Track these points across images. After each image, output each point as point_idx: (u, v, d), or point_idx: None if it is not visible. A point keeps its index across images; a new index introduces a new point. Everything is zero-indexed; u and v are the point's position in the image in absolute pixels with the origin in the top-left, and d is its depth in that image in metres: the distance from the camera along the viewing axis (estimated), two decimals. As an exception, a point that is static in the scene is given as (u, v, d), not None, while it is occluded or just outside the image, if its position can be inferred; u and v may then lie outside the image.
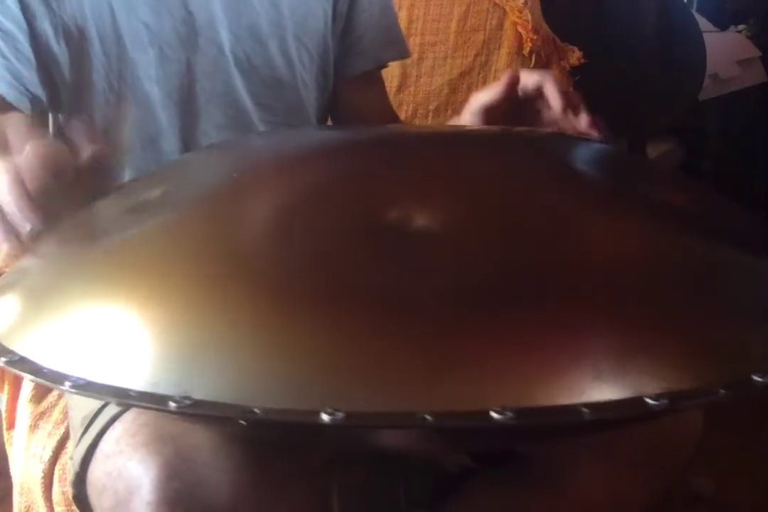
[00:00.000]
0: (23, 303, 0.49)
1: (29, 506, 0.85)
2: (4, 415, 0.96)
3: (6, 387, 0.97)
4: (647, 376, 0.38)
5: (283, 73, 0.85)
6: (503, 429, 0.36)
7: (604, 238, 0.49)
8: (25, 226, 0.52)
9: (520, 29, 1.29)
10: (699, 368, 0.39)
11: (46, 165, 0.52)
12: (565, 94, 0.70)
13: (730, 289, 0.46)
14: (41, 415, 0.88)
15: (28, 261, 0.53)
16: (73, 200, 0.54)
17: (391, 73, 1.30)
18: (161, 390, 0.38)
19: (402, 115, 1.30)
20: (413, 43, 1.30)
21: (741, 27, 2.16)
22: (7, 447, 0.93)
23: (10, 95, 0.75)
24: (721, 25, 2.13)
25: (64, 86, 0.80)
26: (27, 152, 0.52)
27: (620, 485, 0.64)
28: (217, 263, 0.46)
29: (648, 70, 1.70)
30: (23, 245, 0.53)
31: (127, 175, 0.83)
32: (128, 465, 0.57)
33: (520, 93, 0.73)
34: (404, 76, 1.32)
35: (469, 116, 0.75)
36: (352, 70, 0.93)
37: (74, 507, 0.77)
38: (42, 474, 0.82)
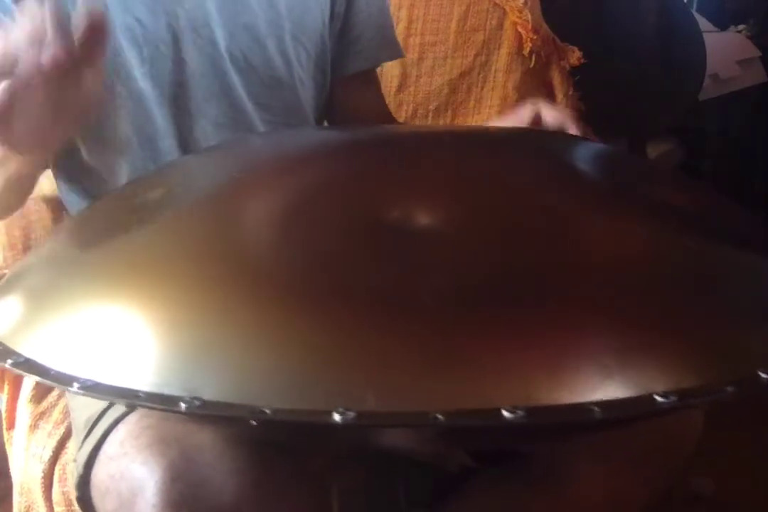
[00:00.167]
0: (26, 304, 0.49)
1: (29, 506, 0.85)
2: (4, 415, 0.96)
3: (6, 387, 0.97)
4: (654, 374, 0.38)
5: (282, 72, 0.85)
6: (513, 427, 0.36)
7: (605, 238, 0.49)
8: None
9: (520, 29, 1.29)
10: (704, 366, 0.39)
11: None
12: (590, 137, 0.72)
13: (731, 289, 0.47)
14: (41, 415, 0.88)
15: (30, 263, 0.53)
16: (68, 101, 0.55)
17: (391, 73, 1.30)
18: (170, 391, 0.38)
19: (402, 115, 1.30)
20: (413, 43, 1.30)
21: (741, 27, 2.16)
22: (7, 447, 0.93)
23: None
24: (721, 25, 2.13)
25: None
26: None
27: (620, 484, 0.64)
28: (222, 263, 0.46)
29: (648, 70, 1.70)
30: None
31: (125, 174, 0.83)
32: (132, 467, 0.57)
33: (538, 123, 0.74)
34: (404, 76, 1.31)
35: None
36: (348, 69, 0.93)
37: (74, 507, 0.77)
38: (42, 474, 0.82)
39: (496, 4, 1.30)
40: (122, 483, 0.58)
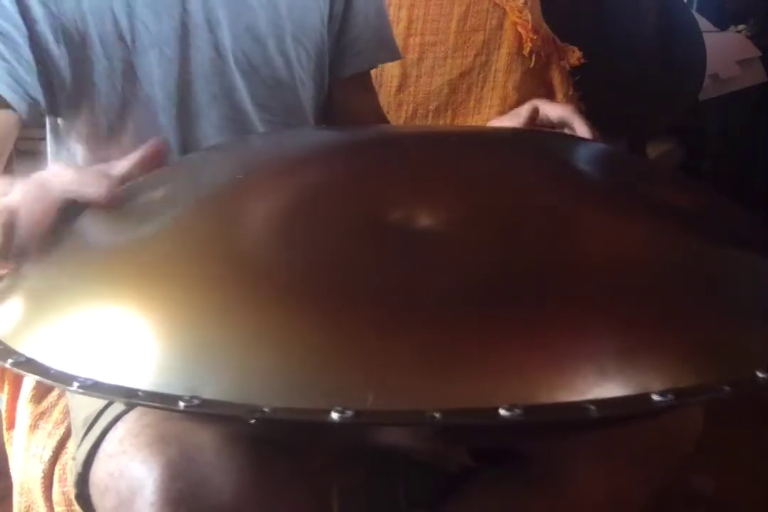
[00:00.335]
0: (27, 304, 0.49)
1: (29, 506, 0.85)
2: (4, 415, 0.96)
3: (6, 387, 0.97)
4: (651, 373, 0.38)
5: (282, 73, 0.85)
6: (511, 426, 0.36)
7: (605, 238, 0.49)
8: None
9: (520, 29, 1.29)
10: (702, 365, 0.39)
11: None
12: (593, 129, 0.72)
13: (730, 289, 0.47)
14: (41, 415, 0.88)
15: (31, 263, 0.53)
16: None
17: (391, 73, 1.30)
18: (169, 389, 0.38)
19: (402, 115, 1.30)
20: (413, 43, 1.31)
21: (741, 27, 2.16)
22: (7, 447, 0.93)
23: (11, 98, 0.75)
24: (721, 25, 2.14)
25: (63, 90, 0.79)
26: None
27: (620, 483, 0.64)
28: (222, 263, 0.46)
29: (648, 70, 1.70)
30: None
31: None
32: (131, 466, 0.57)
33: (539, 122, 0.74)
34: (404, 76, 1.32)
35: None
36: (346, 71, 0.93)
37: (74, 507, 0.77)
38: (42, 474, 0.82)
39: (496, 4, 1.30)
40: (121, 481, 0.58)
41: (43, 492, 0.82)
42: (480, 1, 1.30)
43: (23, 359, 0.43)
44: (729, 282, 0.47)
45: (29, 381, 0.92)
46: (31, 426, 0.87)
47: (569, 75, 1.33)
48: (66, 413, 0.86)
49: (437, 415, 0.35)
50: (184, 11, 0.80)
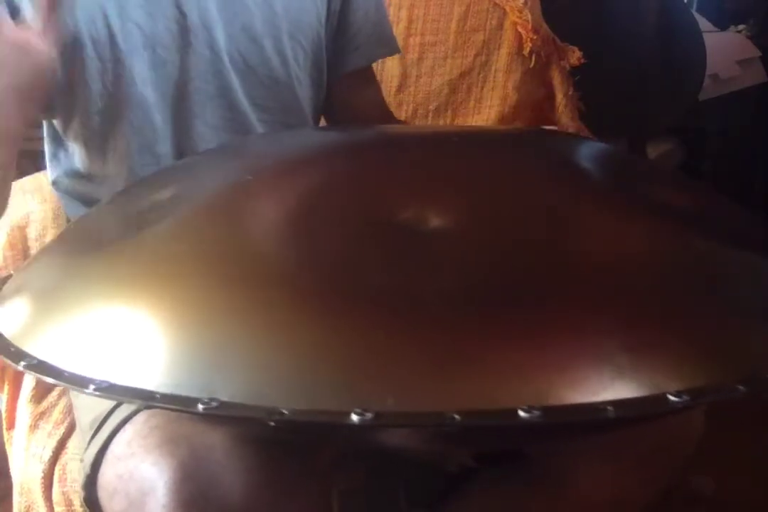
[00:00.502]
0: (38, 306, 0.49)
1: (29, 506, 0.85)
2: (4, 415, 0.96)
3: (6, 387, 0.96)
4: (667, 374, 0.38)
5: (279, 72, 0.85)
6: (528, 427, 0.36)
7: (606, 238, 0.49)
8: None
9: (520, 29, 1.29)
10: (716, 365, 0.40)
11: None
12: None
13: (731, 288, 0.47)
14: (41, 415, 0.88)
15: (39, 264, 0.53)
16: None
17: (391, 73, 1.30)
18: (184, 391, 0.38)
19: (402, 115, 1.30)
20: (413, 43, 1.30)
21: (741, 27, 2.16)
22: (7, 447, 0.93)
23: None
24: (721, 25, 2.13)
25: (56, 91, 0.79)
26: None
27: (621, 484, 0.64)
28: (235, 264, 0.46)
29: (648, 70, 1.70)
30: None
31: (122, 180, 0.83)
32: (141, 468, 0.57)
33: None
34: (404, 76, 1.31)
35: None
36: (347, 67, 0.93)
37: (74, 507, 0.77)
38: (42, 474, 0.82)
39: (496, 4, 1.30)
40: (131, 483, 0.58)
41: (43, 492, 0.82)
42: (480, 1, 1.30)
43: (35, 361, 0.43)
44: (729, 282, 0.48)
45: (29, 381, 0.92)
46: (31, 426, 0.87)
47: (569, 75, 1.33)
48: (66, 413, 0.86)
49: (457, 417, 0.35)
50: (179, 12, 0.79)
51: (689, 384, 0.37)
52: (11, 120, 0.69)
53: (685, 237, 0.50)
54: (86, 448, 0.65)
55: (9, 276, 0.55)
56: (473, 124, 1.32)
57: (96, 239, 0.54)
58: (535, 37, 1.29)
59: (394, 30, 1.00)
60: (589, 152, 0.68)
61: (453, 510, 0.67)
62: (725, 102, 1.99)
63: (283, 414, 0.36)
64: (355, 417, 0.35)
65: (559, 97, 1.32)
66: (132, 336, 0.42)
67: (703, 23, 1.95)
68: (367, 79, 0.98)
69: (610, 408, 0.36)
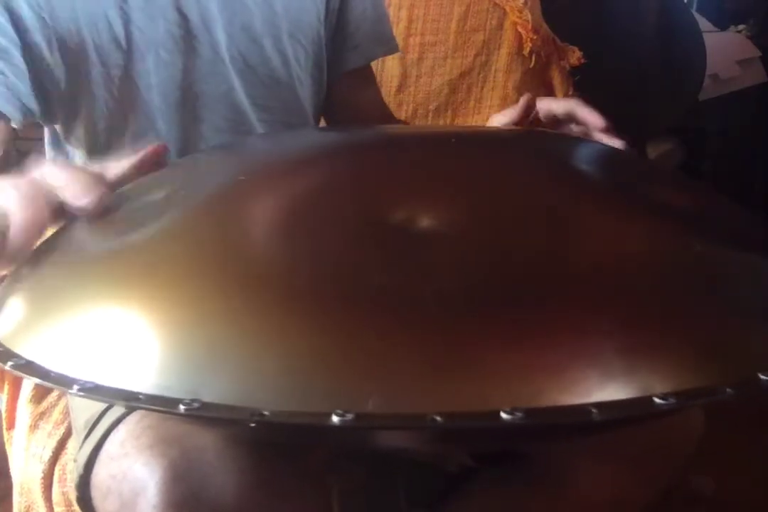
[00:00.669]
0: (27, 306, 0.49)
1: (29, 506, 0.85)
2: (4, 415, 0.96)
3: (6, 387, 0.97)
4: (653, 376, 0.38)
5: (280, 72, 0.85)
6: (512, 429, 0.36)
7: (605, 238, 0.49)
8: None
9: (520, 29, 1.29)
10: (704, 367, 0.39)
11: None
12: (601, 114, 0.69)
13: (731, 289, 0.47)
14: (41, 415, 0.88)
15: (32, 263, 0.53)
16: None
17: (391, 73, 1.30)
18: (170, 392, 0.38)
19: (402, 115, 1.30)
20: (413, 43, 1.31)
21: (741, 27, 2.16)
22: (7, 447, 0.93)
23: (5, 108, 0.74)
24: (721, 25, 2.13)
25: (59, 97, 0.79)
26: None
27: (621, 484, 0.64)
28: (224, 265, 0.46)
29: (648, 70, 1.70)
30: None
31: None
32: (133, 468, 0.57)
33: (544, 119, 0.72)
34: (404, 76, 1.32)
35: None
36: (346, 65, 0.92)
37: (74, 508, 0.77)
38: (42, 475, 0.82)
39: (496, 4, 1.30)
40: (123, 483, 0.58)
41: (43, 492, 0.82)
42: (480, 1, 1.30)
43: (23, 361, 0.43)
44: (729, 282, 0.47)
45: (29, 381, 0.92)
46: (31, 426, 0.87)
47: (569, 75, 1.33)
48: (66, 413, 0.86)
49: (438, 418, 0.35)
50: (179, 14, 0.79)
51: (680, 386, 0.37)
52: None
53: (685, 237, 0.50)
54: (80, 448, 0.65)
55: (4, 277, 0.55)
56: (473, 124, 1.32)
57: (91, 239, 0.54)
58: (535, 37, 1.29)
59: (394, 30, 1.01)
60: (589, 152, 0.68)
61: (453, 510, 0.67)
62: (725, 102, 1.99)
63: (263, 415, 0.36)
64: (335, 419, 0.35)
65: (559, 97, 1.32)
66: (122, 337, 0.42)
67: (703, 23, 1.95)
68: (367, 78, 0.98)
69: (594, 410, 0.35)
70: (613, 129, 0.68)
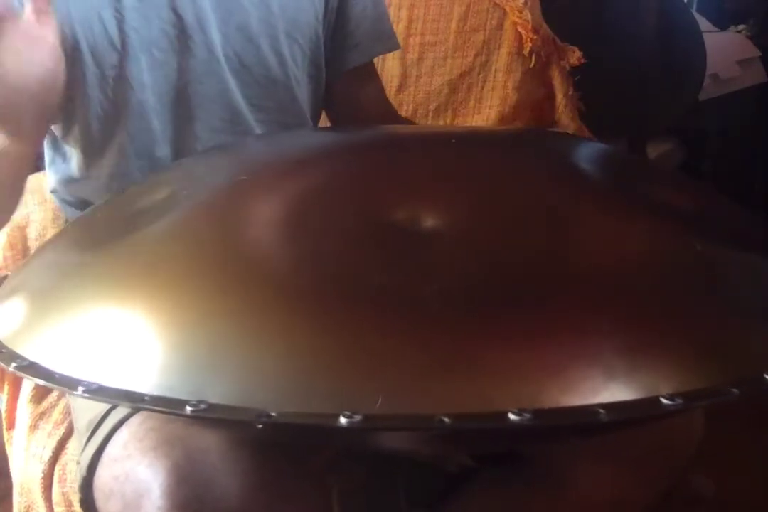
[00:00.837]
0: (30, 307, 0.49)
1: (29, 506, 0.85)
2: (4, 415, 0.96)
3: (6, 387, 0.96)
4: (659, 376, 0.38)
5: (276, 71, 0.85)
6: (520, 430, 0.36)
7: (606, 238, 0.49)
8: None
9: (520, 29, 1.29)
10: (709, 368, 0.39)
11: None
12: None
13: (731, 289, 0.47)
14: (41, 415, 0.88)
15: (33, 265, 0.53)
16: None
17: (391, 73, 1.30)
18: (173, 393, 0.38)
19: (402, 115, 1.30)
20: (413, 43, 1.30)
21: (741, 27, 2.16)
22: (7, 447, 0.93)
23: None
24: (721, 25, 2.13)
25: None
26: None
27: (621, 485, 0.64)
28: (226, 265, 0.46)
29: (648, 70, 1.70)
30: None
31: (118, 184, 0.83)
32: (136, 470, 0.57)
33: None
34: (404, 76, 1.31)
35: None
36: (347, 64, 0.92)
37: (74, 508, 0.77)
38: (42, 475, 0.82)
39: (496, 4, 1.30)
40: (126, 485, 0.58)
41: (43, 492, 0.82)
42: (480, 1, 1.30)
43: (27, 363, 0.43)
44: (729, 282, 0.47)
45: (29, 381, 0.92)
46: (31, 426, 0.87)
47: (569, 75, 1.33)
48: (66, 413, 0.86)
49: (446, 420, 0.35)
50: (174, 14, 0.79)
51: (686, 387, 0.37)
52: (35, 109, 0.69)
53: (685, 237, 0.50)
54: (83, 450, 0.65)
55: (5, 277, 0.55)
56: (473, 124, 1.32)
57: (91, 240, 0.54)
58: (535, 37, 1.29)
59: (394, 30, 1.00)
60: (589, 152, 0.68)
61: (453, 510, 0.67)
62: (725, 102, 1.99)
63: (270, 416, 0.36)
64: (343, 420, 0.35)
65: (559, 97, 1.32)
66: (126, 338, 0.42)
67: (703, 23, 1.94)
68: (369, 75, 0.98)
69: (602, 411, 0.36)
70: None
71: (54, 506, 0.81)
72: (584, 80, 1.34)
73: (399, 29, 1.27)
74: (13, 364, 0.43)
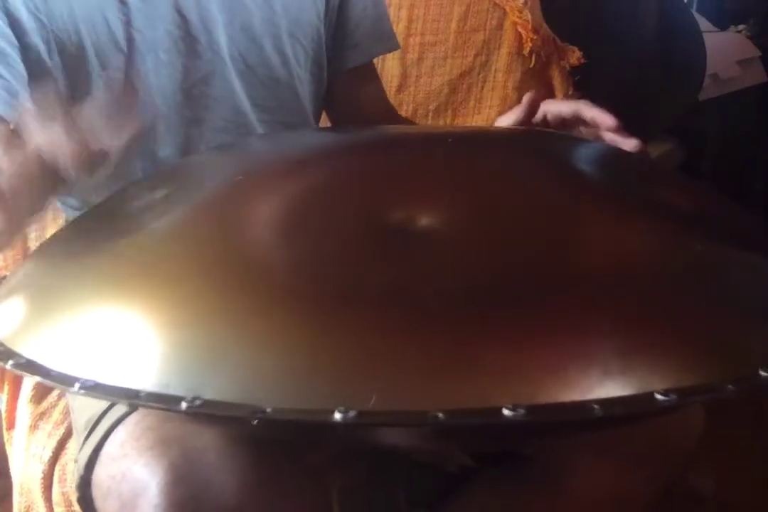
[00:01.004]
0: (27, 305, 0.49)
1: (29, 506, 0.85)
2: (4, 415, 0.96)
3: (6, 387, 0.97)
4: (654, 373, 0.38)
5: (279, 71, 0.85)
6: (514, 426, 0.36)
7: (605, 238, 0.49)
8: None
9: (520, 29, 1.29)
10: (705, 364, 0.39)
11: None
12: (611, 114, 0.67)
13: (731, 288, 0.47)
14: (41, 415, 0.88)
15: (31, 264, 0.53)
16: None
17: (391, 73, 1.30)
18: (171, 390, 0.38)
19: (402, 115, 1.30)
20: (413, 43, 1.31)
21: (741, 27, 2.16)
22: (7, 447, 0.93)
23: (5, 112, 0.73)
24: (721, 25, 2.13)
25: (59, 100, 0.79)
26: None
27: (621, 483, 0.64)
28: (225, 264, 0.46)
29: (648, 70, 1.70)
30: None
31: (120, 185, 0.83)
32: (133, 469, 0.57)
33: (552, 121, 0.71)
34: (404, 76, 1.31)
35: None
36: (347, 63, 0.92)
37: (74, 508, 0.77)
38: (42, 475, 0.82)
39: (496, 4, 1.30)
40: (123, 484, 0.58)
41: (43, 492, 0.82)
42: (480, 1, 1.30)
43: (24, 360, 0.43)
44: (729, 282, 0.47)
45: (29, 381, 0.92)
46: (31, 426, 0.87)
47: (569, 75, 1.33)
48: (66, 413, 0.86)
49: (440, 415, 0.35)
50: (178, 14, 0.79)
51: (681, 383, 0.37)
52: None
53: (685, 237, 0.50)
54: (80, 449, 0.65)
55: (4, 278, 0.55)
56: (473, 124, 1.32)
57: (90, 239, 0.54)
58: (535, 37, 1.29)
59: (394, 30, 1.00)
60: (589, 152, 0.68)
61: (453, 510, 0.67)
62: (725, 102, 1.99)
63: (265, 412, 0.36)
64: (338, 416, 0.35)
65: (559, 97, 1.32)
66: (122, 336, 0.42)
67: (703, 23, 1.95)
68: (369, 75, 0.98)
69: (596, 406, 0.36)
70: (624, 128, 0.67)
71: (54, 506, 0.81)
72: (584, 80, 1.34)
73: (399, 29, 1.27)
74: (11, 362, 0.43)
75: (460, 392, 0.37)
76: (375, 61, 0.99)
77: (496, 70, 1.32)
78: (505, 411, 0.35)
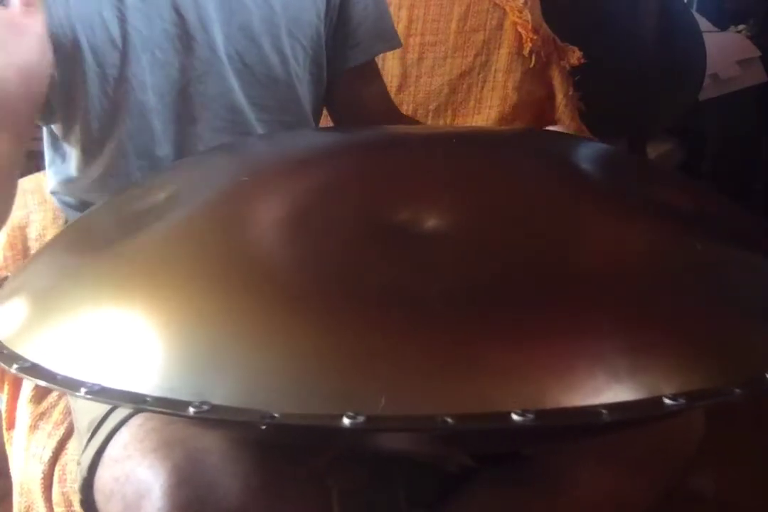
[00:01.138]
0: (32, 308, 0.49)
1: (29, 506, 0.85)
2: (4, 415, 0.96)
3: (6, 387, 0.96)
4: (662, 377, 0.38)
5: (278, 70, 0.85)
6: (523, 430, 0.36)
7: (606, 239, 0.49)
8: None
9: (520, 29, 1.29)
10: (712, 368, 0.39)
11: None
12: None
13: (732, 289, 0.47)
14: (41, 416, 0.88)
15: (34, 266, 0.53)
16: None
17: (391, 73, 1.30)
18: (175, 394, 0.38)
19: (404, 114, 1.30)
20: (413, 43, 1.30)
21: (741, 27, 2.16)
22: (7, 447, 0.93)
23: None
24: (721, 25, 2.13)
25: (54, 98, 0.79)
26: None
27: (621, 485, 0.64)
28: (228, 266, 0.46)
29: (648, 70, 1.70)
30: None
31: (120, 183, 0.83)
32: (137, 471, 0.57)
33: None
34: (404, 76, 1.31)
35: None
36: (348, 62, 0.92)
37: (74, 508, 0.77)
38: (42, 475, 0.82)
39: (496, 4, 1.30)
40: (127, 486, 0.58)
41: (43, 492, 0.82)
42: (480, 1, 1.30)
43: (28, 364, 0.43)
44: (729, 282, 0.47)
45: (29, 381, 0.92)
46: (31, 426, 0.87)
47: (569, 75, 1.33)
48: (66, 414, 0.86)
49: (449, 420, 0.35)
50: (176, 12, 0.79)
51: (688, 386, 0.37)
52: (18, 101, 0.64)
53: (685, 237, 0.50)
54: (83, 451, 0.65)
55: (5, 278, 0.55)
56: (473, 124, 1.32)
57: (92, 241, 0.54)
58: (535, 37, 1.29)
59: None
60: (589, 152, 0.68)
61: (453, 510, 0.67)
62: (725, 102, 1.99)
63: (274, 417, 0.36)
64: (346, 421, 0.35)
65: (559, 97, 1.32)
66: (127, 340, 0.42)
67: (703, 23, 1.95)
68: (371, 73, 0.98)
69: (604, 411, 0.36)
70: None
71: (54, 506, 0.81)
72: (584, 80, 1.34)
73: (399, 29, 1.27)
74: (15, 366, 0.43)
75: (461, 392, 0.37)
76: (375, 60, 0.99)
77: (496, 70, 1.32)
78: (514, 416, 0.35)
